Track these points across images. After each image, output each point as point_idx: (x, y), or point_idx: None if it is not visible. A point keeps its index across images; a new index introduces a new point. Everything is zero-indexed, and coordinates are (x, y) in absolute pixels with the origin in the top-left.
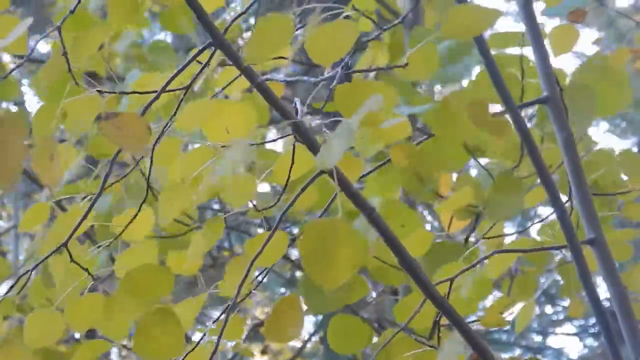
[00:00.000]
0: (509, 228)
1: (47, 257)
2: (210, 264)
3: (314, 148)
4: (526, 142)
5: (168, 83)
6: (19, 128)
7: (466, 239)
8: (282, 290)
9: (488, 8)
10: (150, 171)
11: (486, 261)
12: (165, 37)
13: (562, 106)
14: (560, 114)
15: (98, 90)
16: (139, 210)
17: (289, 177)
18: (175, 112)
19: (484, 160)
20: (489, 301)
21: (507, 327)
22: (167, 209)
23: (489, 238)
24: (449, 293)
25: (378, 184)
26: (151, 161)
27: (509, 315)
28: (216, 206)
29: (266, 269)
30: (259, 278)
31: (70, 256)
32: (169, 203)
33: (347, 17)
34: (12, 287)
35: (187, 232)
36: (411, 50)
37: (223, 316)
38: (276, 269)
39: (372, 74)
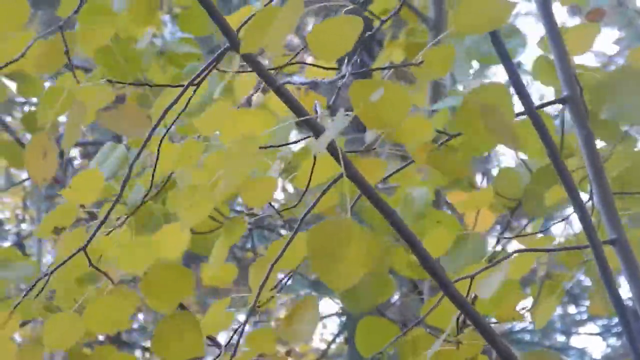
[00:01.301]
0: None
1: (66, 261)
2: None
3: (332, 148)
4: (545, 142)
5: (187, 87)
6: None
7: (498, 238)
8: (307, 291)
9: (501, 0)
10: (154, 173)
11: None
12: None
13: (582, 105)
14: (580, 113)
15: (108, 80)
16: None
17: (310, 178)
18: (185, 109)
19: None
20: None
21: (530, 327)
22: (187, 213)
23: (511, 238)
24: (468, 291)
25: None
26: (156, 161)
27: (524, 310)
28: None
29: (291, 271)
30: (284, 281)
31: (89, 260)
32: (189, 207)
33: (350, 12)
34: (30, 289)
35: (217, 228)
36: (426, 47)
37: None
38: (300, 270)
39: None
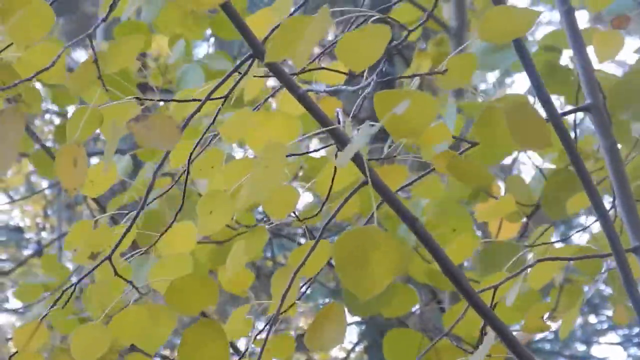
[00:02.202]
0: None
1: (91, 272)
2: (254, 273)
3: (354, 156)
4: (568, 150)
5: (210, 94)
6: (16, 122)
7: (520, 237)
8: (327, 300)
9: (526, 9)
10: (186, 182)
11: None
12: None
13: (605, 113)
14: (604, 122)
15: (136, 98)
16: (172, 221)
17: (331, 186)
18: (213, 121)
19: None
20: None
21: (551, 336)
22: (205, 219)
23: (533, 246)
24: (492, 301)
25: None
26: (187, 172)
27: (550, 321)
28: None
29: (310, 279)
30: (303, 289)
31: (115, 270)
32: (207, 214)
33: (378, 21)
34: (57, 301)
35: (235, 236)
36: (450, 56)
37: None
38: (320, 279)
39: (416, 83)
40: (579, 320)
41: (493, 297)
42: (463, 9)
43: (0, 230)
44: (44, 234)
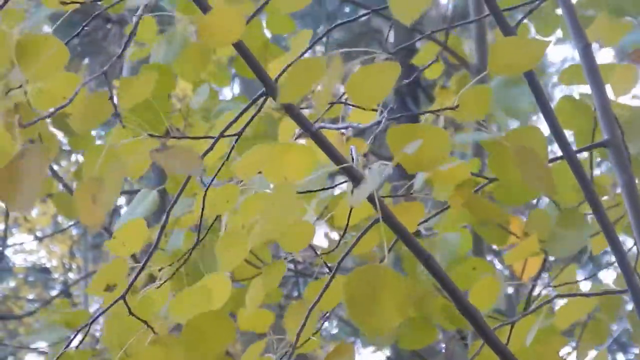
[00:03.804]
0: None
1: (105, 311)
2: (278, 313)
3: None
4: (583, 187)
5: (224, 131)
6: (39, 161)
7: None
8: (351, 339)
9: (535, 40)
10: (201, 217)
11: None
12: (233, 87)
13: (623, 149)
14: (622, 157)
15: (149, 134)
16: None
17: (348, 222)
18: (227, 157)
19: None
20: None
21: None
22: (225, 257)
23: (557, 286)
24: (509, 337)
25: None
26: (203, 207)
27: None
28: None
29: (326, 314)
30: (322, 323)
31: (129, 309)
32: (226, 251)
33: (387, 59)
34: (71, 339)
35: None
36: (462, 91)
37: None
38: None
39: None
40: (608, 358)
41: (510, 334)
42: (484, 46)
43: (29, 271)
44: (70, 275)
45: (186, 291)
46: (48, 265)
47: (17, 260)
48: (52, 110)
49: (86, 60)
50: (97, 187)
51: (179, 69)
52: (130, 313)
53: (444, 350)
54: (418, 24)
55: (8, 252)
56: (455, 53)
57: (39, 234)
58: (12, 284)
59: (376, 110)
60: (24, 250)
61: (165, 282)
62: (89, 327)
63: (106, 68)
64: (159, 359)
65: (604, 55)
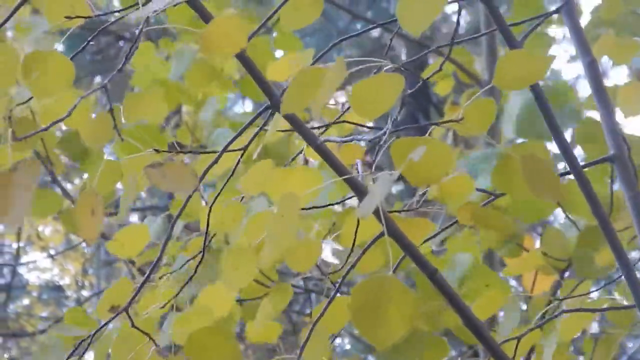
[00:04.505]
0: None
1: (107, 323)
2: (290, 329)
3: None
4: (590, 202)
5: (227, 146)
6: (31, 175)
7: (549, 301)
8: (366, 356)
9: (539, 55)
10: (206, 234)
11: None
12: (244, 103)
13: (629, 164)
14: (628, 173)
15: (155, 149)
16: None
17: (355, 238)
18: (232, 173)
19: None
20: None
21: None
22: (233, 277)
23: (563, 299)
24: (515, 352)
25: (461, 242)
26: (207, 225)
27: None
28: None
29: (335, 334)
30: (333, 339)
31: (132, 321)
32: (233, 270)
33: (394, 69)
34: (72, 352)
35: (265, 295)
36: (466, 104)
37: None
38: (357, 333)
39: (449, 136)
40: None
41: (516, 349)
42: (495, 62)
43: (42, 289)
44: (83, 292)
45: (187, 312)
46: (61, 283)
47: (31, 278)
48: (49, 124)
49: (98, 79)
50: (96, 201)
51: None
52: (133, 325)
53: None
54: (429, 40)
55: (22, 270)
56: (466, 69)
57: (52, 252)
58: (25, 301)
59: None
60: (38, 268)
61: (169, 302)
62: (91, 340)
63: (106, 82)
64: None
65: (618, 76)
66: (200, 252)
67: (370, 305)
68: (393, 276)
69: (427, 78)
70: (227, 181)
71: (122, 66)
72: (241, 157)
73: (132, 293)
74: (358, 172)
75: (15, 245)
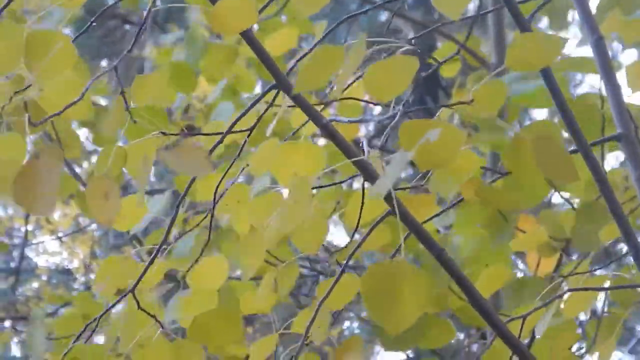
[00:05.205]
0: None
1: (113, 305)
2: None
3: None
4: (598, 181)
5: (232, 126)
6: (55, 161)
7: (552, 277)
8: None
9: (552, 36)
10: (212, 215)
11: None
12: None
13: (636, 143)
14: (635, 151)
15: (162, 132)
16: (198, 257)
17: (359, 217)
18: (239, 154)
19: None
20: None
21: None
22: (247, 263)
23: (566, 276)
24: (521, 331)
25: (467, 222)
26: (214, 204)
27: (580, 351)
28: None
29: (339, 310)
30: (335, 321)
31: (138, 303)
32: (245, 254)
33: (406, 52)
34: (79, 335)
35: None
36: (475, 86)
37: None
38: (366, 317)
39: (455, 118)
40: (632, 358)
41: (521, 328)
42: (503, 45)
43: (51, 273)
44: (92, 275)
45: (189, 292)
46: (70, 266)
47: (40, 262)
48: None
49: (104, 62)
50: (109, 185)
51: (204, 70)
52: (139, 307)
53: (465, 350)
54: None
55: (31, 254)
56: (473, 52)
57: (60, 235)
58: (34, 285)
59: (379, 104)
60: (47, 251)
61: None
62: (98, 322)
63: (116, 63)
64: (166, 355)
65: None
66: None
67: (384, 290)
68: (405, 261)
69: (442, 62)
70: (234, 161)
71: (130, 48)
72: (248, 137)
73: (131, 271)
74: (364, 153)
75: (23, 230)
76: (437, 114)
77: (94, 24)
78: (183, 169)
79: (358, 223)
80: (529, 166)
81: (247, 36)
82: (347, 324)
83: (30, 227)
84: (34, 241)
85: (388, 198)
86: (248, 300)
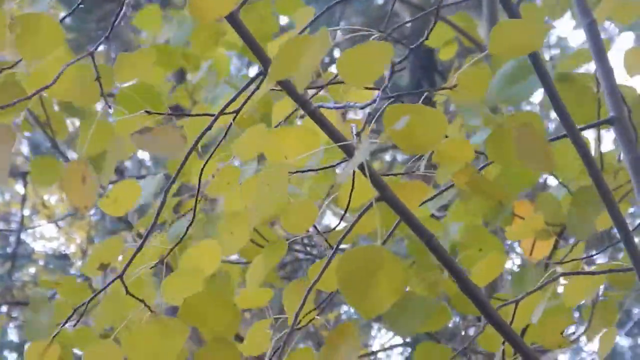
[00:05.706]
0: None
1: (103, 290)
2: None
3: (370, 173)
4: (587, 165)
5: (222, 111)
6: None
7: (546, 264)
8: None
9: (537, 22)
10: (197, 195)
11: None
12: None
13: (629, 127)
14: (628, 135)
15: (146, 111)
16: (182, 237)
17: (349, 201)
18: (225, 136)
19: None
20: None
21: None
22: (228, 240)
23: (562, 263)
24: (513, 316)
25: (461, 209)
26: (199, 186)
27: (574, 335)
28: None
29: (331, 293)
30: (324, 304)
31: (126, 288)
32: (229, 234)
33: (379, 39)
34: (67, 319)
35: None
36: (460, 70)
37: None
38: None
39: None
40: (629, 342)
41: (514, 314)
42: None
43: (48, 258)
44: None
45: (177, 272)
46: (67, 251)
47: (37, 247)
48: (35, 91)
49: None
50: (85, 168)
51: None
52: (127, 292)
53: (462, 333)
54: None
55: (28, 239)
56: (468, 34)
57: (57, 220)
58: (31, 270)
59: (377, 89)
60: (44, 237)
61: (157, 263)
62: (86, 307)
63: (94, 50)
64: (153, 335)
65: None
66: (190, 210)
67: (359, 275)
68: (381, 246)
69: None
70: (219, 144)
71: (108, 33)
72: (233, 119)
73: (121, 252)
74: (354, 138)
75: (19, 214)
76: (431, 99)
77: (81, 5)
78: (158, 151)
79: (347, 207)
80: (511, 155)
81: (234, 21)
82: (344, 308)
83: (27, 212)
84: (31, 226)
85: (376, 183)
86: (244, 295)
